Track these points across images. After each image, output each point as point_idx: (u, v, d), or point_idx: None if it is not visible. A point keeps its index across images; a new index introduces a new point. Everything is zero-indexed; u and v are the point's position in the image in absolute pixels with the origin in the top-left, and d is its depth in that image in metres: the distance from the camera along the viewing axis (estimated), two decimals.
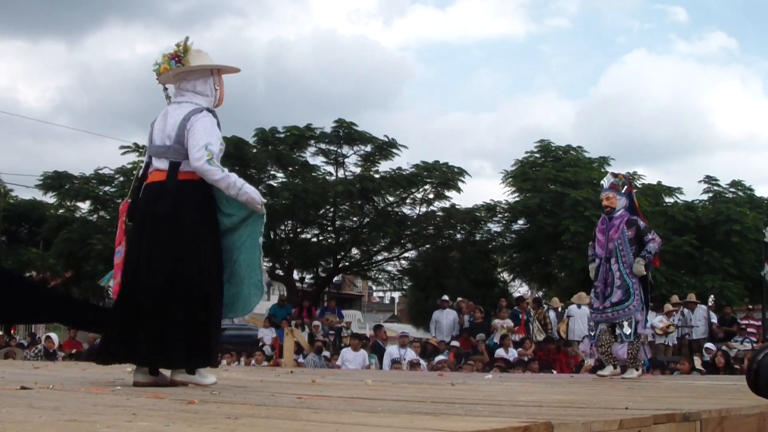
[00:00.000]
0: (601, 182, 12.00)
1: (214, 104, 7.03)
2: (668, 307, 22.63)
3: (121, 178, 30.17)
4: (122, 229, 7.06)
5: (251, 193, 6.67)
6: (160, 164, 6.77)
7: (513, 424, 3.25)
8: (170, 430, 3.06)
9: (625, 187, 11.83)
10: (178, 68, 6.86)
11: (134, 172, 7.23)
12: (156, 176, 6.76)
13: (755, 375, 2.16)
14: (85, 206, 31.02)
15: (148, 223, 6.65)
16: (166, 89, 7.19)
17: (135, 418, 3.49)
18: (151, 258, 6.55)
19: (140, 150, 29.95)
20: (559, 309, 23.36)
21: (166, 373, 6.71)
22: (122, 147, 30.24)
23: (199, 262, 6.58)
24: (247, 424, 3.37)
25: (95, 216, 30.58)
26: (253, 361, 21.07)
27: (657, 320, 22.05)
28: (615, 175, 12.06)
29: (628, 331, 11.26)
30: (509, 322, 21.92)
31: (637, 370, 11.58)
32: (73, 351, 21.84)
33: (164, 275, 6.48)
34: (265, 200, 6.91)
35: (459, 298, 24.49)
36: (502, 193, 32.51)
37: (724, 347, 20.25)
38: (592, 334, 11.74)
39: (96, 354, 7.07)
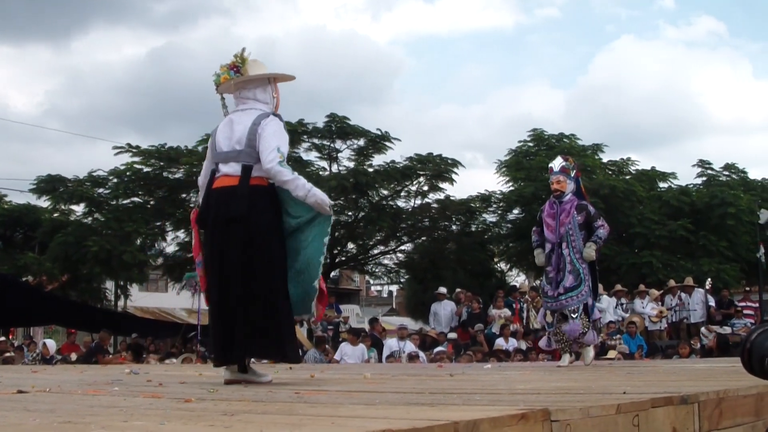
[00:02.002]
0: (551, 165, 11.76)
1: (274, 110, 7.26)
2: (654, 293, 22.69)
3: (115, 180, 30.14)
4: (198, 240, 7.34)
5: (319, 195, 6.88)
6: (230, 169, 6.94)
7: (510, 412, 3.24)
8: (165, 428, 3.05)
9: (574, 171, 11.74)
10: (239, 78, 7.12)
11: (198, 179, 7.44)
12: (226, 181, 6.93)
13: (748, 355, 2.17)
14: (79, 209, 30.99)
15: (220, 226, 6.87)
16: (223, 98, 7.47)
17: (131, 418, 3.48)
18: (223, 260, 6.83)
19: (133, 150, 29.96)
20: None
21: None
22: (116, 147, 30.15)
23: (270, 263, 6.82)
24: (243, 420, 3.36)
25: (90, 218, 30.52)
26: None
27: (649, 308, 22.11)
28: (565, 159, 11.96)
29: (575, 314, 11.26)
30: (507, 312, 21.94)
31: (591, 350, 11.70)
32: (72, 354, 21.76)
33: (238, 276, 6.74)
34: (332, 203, 7.12)
35: (458, 289, 24.48)
36: (496, 183, 32.64)
37: (720, 330, 20.30)
38: (549, 322, 11.63)
39: (211, 357, 7.63)
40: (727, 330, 20.27)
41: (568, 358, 11.51)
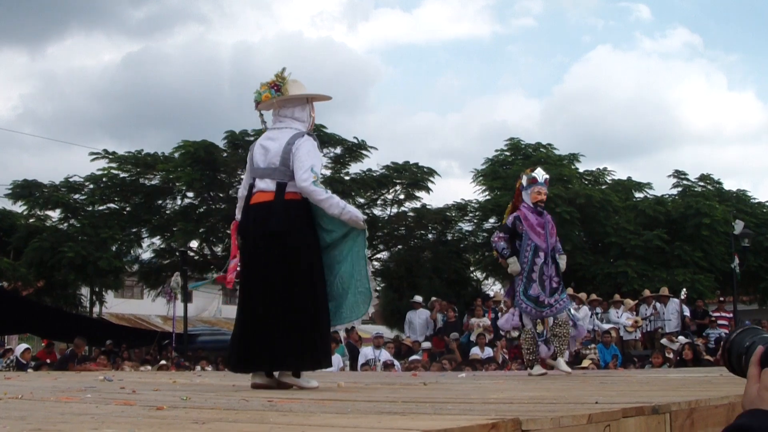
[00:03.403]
0: (534, 175, 11.77)
1: (309, 128, 7.63)
2: (629, 303, 22.76)
3: (91, 186, 30.08)
4: (235, 245, 7.68)
5: (353, 212, 7.31)
6: (264, 185, 7.30)
7: (481, 421, 3.24)
8: None
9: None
10: (279, 97, 7.48)
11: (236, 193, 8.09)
12: (262, 197, 7.29)
13: (728, 354, 2.20)
14: (55, 215, 30.93)
15: (259, 241, 7.20)
16: (261, 115, 7.83)
17: (101, 426, 3.46)
18: (265, 274, 7.10)
19: (110, 156, 29.89)
20: None
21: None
22: (92, 153, 30.07)
23: (308, 275, 7.13)
24: (213, 428, 3.35)
25: (66, 224, 30.44)
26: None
27: (624, 317, 22.18)
28: (545, 171, 12.12)
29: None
30: (486, 321, 21.94)
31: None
32: (47, 361, 21.67)
33: (279, 289, 7.03)
34: (365, 217, 7.60)
35: (433, 298, 24.49)
36: (473, 192, 32.62)
37: (697, 342, 20.39)
38: (540, 332, 11.65)
39: (228, 363, 7.76)
40: (684, 340, 20.31)
41: (539, 367, 11.54)
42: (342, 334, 20.24)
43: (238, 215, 7.69)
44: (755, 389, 2.17)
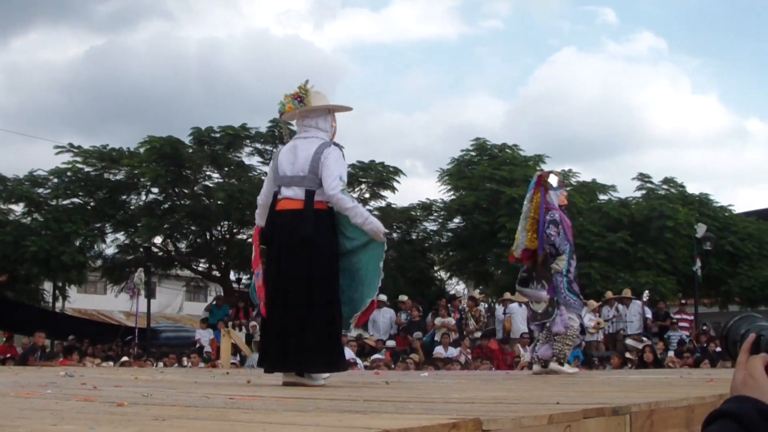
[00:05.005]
0: (559, 179, 11.87)
1: (332, 138, 7.93)
2: (593, 304, 22.83)
3: (55, 180, 29.88)
4: (258, 253, 8.05)
5: (375, 223, 7.58)
6: (292, 192, 7.59)
7: (442, 421, 3.24)
8: None
9: None
10: (303, 108, 7.81)
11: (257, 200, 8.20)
12: (289, 204, 7.59)
13: (725, 340, 2.26)
14: (18, 209, 30.67)
15: (287, 246, 7.51)
16: (284, 125, 8.47)
17: (61, 422, 3.45)
18: (290, 278, 7.45)
19: (74, 150, 29.69)
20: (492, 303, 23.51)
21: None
22: (57, 147, 29.92)
23: (330, 280, 7.50)
24: (173, 425, 3.34)
25: (29, 218, 30.21)
26: (189, 363, 20.83)
27: (587, 319, 22.25)
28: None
29: None
30: (450, 321, 21.96)
31: None
32: (8, 356, 21.53)
33: (302, 293, 7.39)
34: (387, 231, 7.79)
35: (405, 297, 24.47)
36: (438, 192, 32.66)
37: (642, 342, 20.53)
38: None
39: (260, 363, 7.98)
40: (647, 341, 20.45)
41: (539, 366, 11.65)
42: None
43: (260, 222, 8.02)
44: (741, 375, 2.21)
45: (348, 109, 8.24)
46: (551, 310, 11.39)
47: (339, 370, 7.87)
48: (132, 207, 31.16)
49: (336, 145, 7.73)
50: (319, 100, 7.86)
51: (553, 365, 11.40)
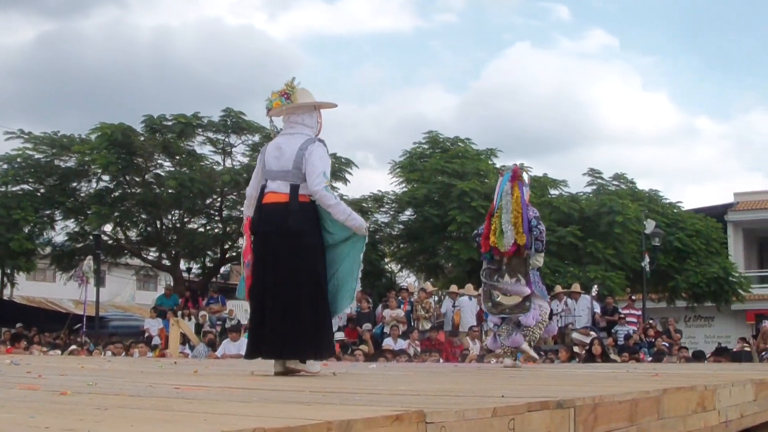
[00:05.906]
0: (524, 177, 11.98)
1: (317, 134, 8.08)
2: None
3: (5, 166, 29.59)
4: (249, 244, 8.11)
5: (358, 220, 7.87)
6: (277, 187, 7.79)
7: (385, 412, 3.26)
8: (34, 422, 3.01)
9: None
10: (289, 105, 7.97)
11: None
12: (275, 197, 7.78)
13: None
14: None
15: (275, 238, 7.72)
16: (272, 121, 8.41)
17: (1, 410, 3.43)
18: (277, 269, 7.66)
19: (24, 136, 29.41)
20: (442, 295, 23.56)
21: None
22: (7, 133, 29.59)
23: (315, 272, 7.71)
24: (115, 414, 3.34)
25: None
26: (136, 352, 20.70)
27: None
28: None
29: None
30: (400, 313, 21.99)
31: None
32: None
33: (289, 284, 7.61)
34: (368, 225, 8.09)
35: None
36: (390, 184, 32.66)
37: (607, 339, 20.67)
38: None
39: (246, 353, 8.14)
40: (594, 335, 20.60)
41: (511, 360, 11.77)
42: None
43: (248, 212, 8.17)
44: None
45: (334, 105, 8.41)
46: (528, 305, 11.50)
47: (330, 357, 8.39)
48: (82, 194, 30.92)
49: (320, 141, 7.91)
50: (306, 97, 8.04)
51: (524, 346, 11.63)
